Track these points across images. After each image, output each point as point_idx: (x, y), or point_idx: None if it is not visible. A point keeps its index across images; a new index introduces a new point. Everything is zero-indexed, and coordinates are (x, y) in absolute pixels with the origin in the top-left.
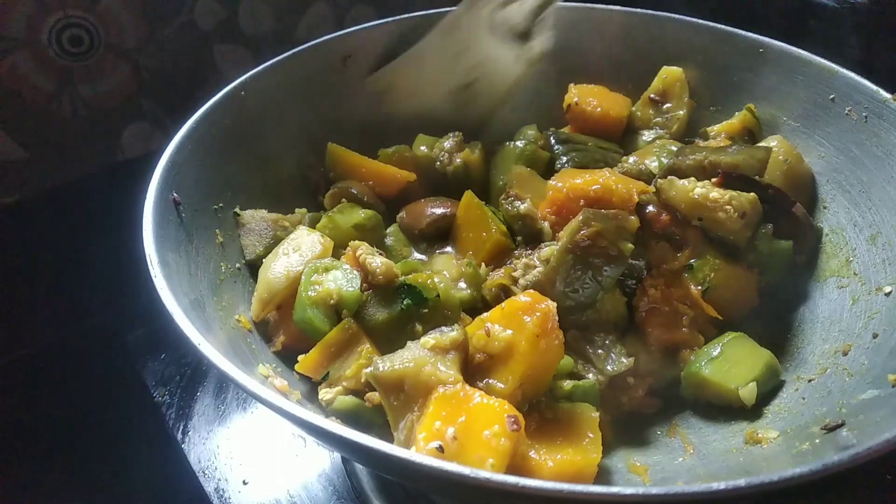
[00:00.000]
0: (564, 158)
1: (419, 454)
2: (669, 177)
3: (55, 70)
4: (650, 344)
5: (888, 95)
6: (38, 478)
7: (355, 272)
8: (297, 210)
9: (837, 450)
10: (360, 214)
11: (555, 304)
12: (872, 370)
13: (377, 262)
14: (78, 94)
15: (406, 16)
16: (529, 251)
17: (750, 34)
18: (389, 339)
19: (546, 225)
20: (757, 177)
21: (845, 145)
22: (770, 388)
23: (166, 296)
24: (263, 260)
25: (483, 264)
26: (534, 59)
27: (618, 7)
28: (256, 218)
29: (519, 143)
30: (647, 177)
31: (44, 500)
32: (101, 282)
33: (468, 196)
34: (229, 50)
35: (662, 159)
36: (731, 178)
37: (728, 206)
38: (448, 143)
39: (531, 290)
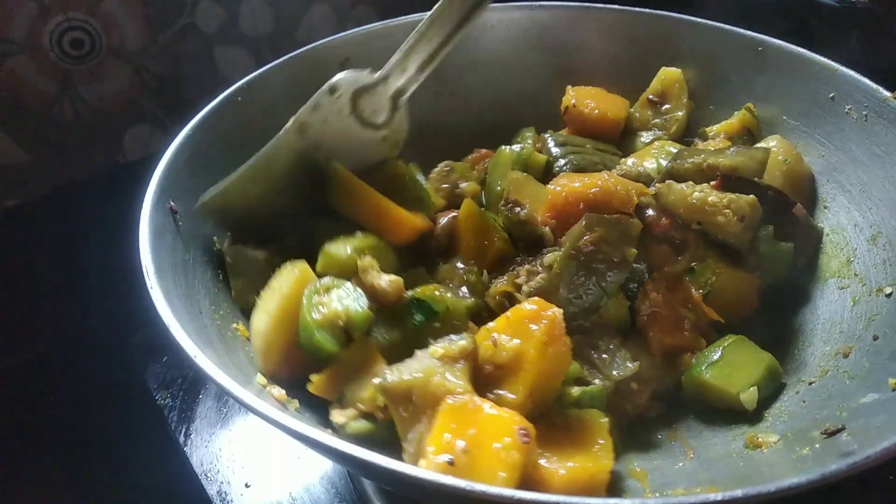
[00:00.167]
0: (562, 161)
1: (422, 469)
2: (668, 181)
3: (56, 73)
4: (652, 348)
5: (888, 94)
6: (40, 481)
7: (359, 290)
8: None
9: (838, 456)
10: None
11: (561, 311)
12: (873, 373)
13: (384, 280)
14: (79, 96)
15: (404, 18)
16: (531, 258)
17: (749, 32)
18: (403, 357)
19: (547, 230)
20: (756, 178)
21: (845, 144)
22: (771, 392)
23: (163, 308)
24: None
25: (485, 272)
26: (397, 143)
27: (616, 6)
28: (244, 258)
29: (515, 148)
30: (645, 179)
31: (46, 503)
32: (103, 284)
33: (468, 204)
34: (230, 52)
35: (661, 161)
36: (731, 181)
37: (727, 210)
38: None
39: (536, 298)
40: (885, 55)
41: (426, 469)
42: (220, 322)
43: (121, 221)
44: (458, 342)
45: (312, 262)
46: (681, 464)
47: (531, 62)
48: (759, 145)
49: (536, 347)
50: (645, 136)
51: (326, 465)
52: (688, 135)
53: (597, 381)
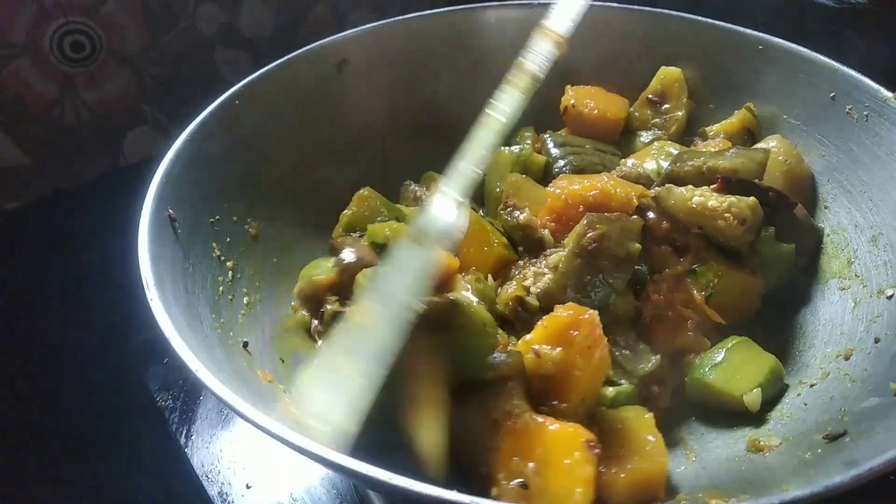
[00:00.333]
0: (562, 162)
1: (426, 486)
2: (667, 185)
3: (57, 76)
4: (658, 350)
5: (889, 94)
6: (41, 482)
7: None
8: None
9: (840, 462)
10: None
11: (596, 312)
12: (874, 377)
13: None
14: (80, 99)
15: (400, 18)
16: (535, 259)
17: (750, 31)
18: None
19: (546, 233)
20: (757, 180)
21: (846, 144)
22: (775, 393)
23: (164, 321)
24: None
25: (489, 278)
26: None
27: (615, 4)
28: None
29: (514, 149)
30: (645, 180)
31: None
32: (103, 286)
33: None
34: (231, 54)
35: (661, 161)
36: (731, 183)
37: (727, 214)
38: None
39: (570, 304)
40: (884, 55)
41: (501, 494)
42: (220, 330)
43: (121, 223)
44: (505, 360)
45: None
46: (683, 467)
47: None
48: (759, 146)
49: (581, 353)
50: (644, 136)
51: None
52: (687, 134)
53: (623, 381)
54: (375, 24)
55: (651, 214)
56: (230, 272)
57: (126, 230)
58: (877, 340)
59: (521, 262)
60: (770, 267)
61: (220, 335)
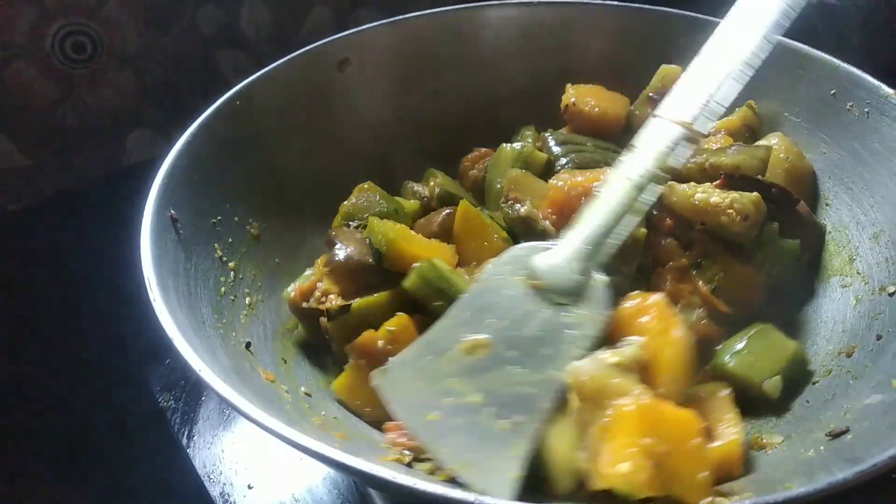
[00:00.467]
0: (564, 160)
1: (430, 483)
2: (670, 182)
3: (58, 77)
4: None
5: (890, 91)
6: (43, 483)
7: None
8: None
9: (843, 460)
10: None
11: (662, 294)
12: (877, 374)
13: None
14: (81, 100)
15: (401, 17)
16: None
17: None
18: None
19: (547, 224)
20: (760, 176)
21: (847, 141)
22: (798, 380)
23: (167, 321)
24: None
25: None
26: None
27: (615, 2)
28: None
29: (516, 146)
30: None
31: None
32: (105, 287)
33: (464, 205)
34: (231, 55)
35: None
36: (734, 179)
37: (730, 210)
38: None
39: (633, 293)
40: (886, 52)
41: (634, 472)
42: (223, 331)
43: (123, 224)
44: (629, 350)
45: None
46: None
47: (530, 60)
48: (760, 143)
49: (663, 335)
50: None
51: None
52: None
53: None
54: (377, 23)
55: (654, 211)
56: (232, 273)
57: (127, 231)
58: (879, 337)
59: None
60: (775, 262)
61: (222, 335)
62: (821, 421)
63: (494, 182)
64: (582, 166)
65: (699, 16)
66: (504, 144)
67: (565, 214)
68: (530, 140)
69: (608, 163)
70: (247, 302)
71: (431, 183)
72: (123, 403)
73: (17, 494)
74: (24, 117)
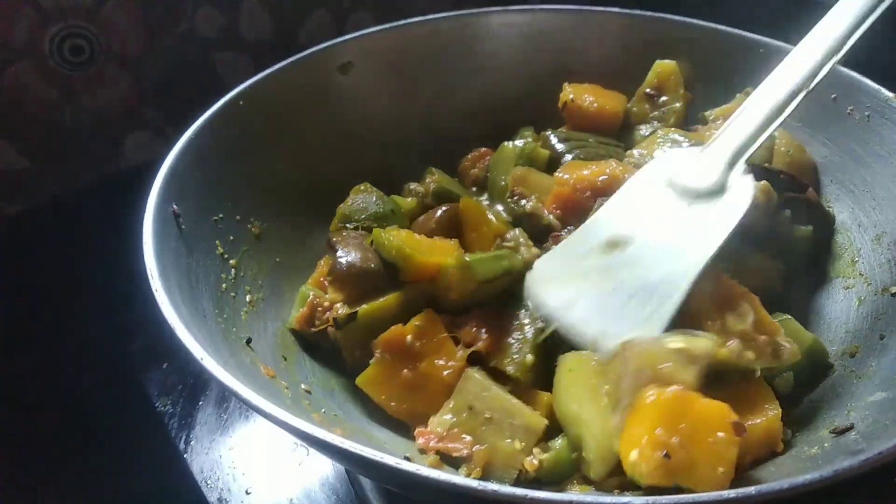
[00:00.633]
0: (569, 157)
1: (431, 469)
2: None
3: (57, 80)
4: None
5: (890, 94)
6: (40, 488)
7: None
8: None
9: (847, 454)
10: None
11: None
12: (880, 372)
13: None
14: (79, 103)
15: (404, 21)
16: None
17: (750, 34)
18: None
19: (552, 217)
20: (766, 164)
21: (848, 145)
22: (815, 373)
23: (167, 310)
24: None
25: None
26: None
27: (615, 9)
28: None
29: (518, 143)
30: None
31: None
32: (103, 291)
33: (465, 201)
34: (230, 57)
35: (667, 149)
36: None
37: None
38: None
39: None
40: (886, 55)
41: (640, 460)
42: (223, 326)
43: (121, 229)
44: (699, 340)
45: None
46: None
47: (530, 66)
48: None
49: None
50: (644, 129)
51: (328, 471)
52: (687, 123)
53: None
54: (380, 27)
55: None
56: (233, 270)
57: (126, 234)
58: (882, 337)
59: None
60: (789, 250)
61: (223, 330)
62: (825, 419)
63: (498, 179)
64: (587, 160)
65: (698, 22)
66: (506, 143)
67: (571, 209)
68: (531, 139)
69: (613, 157)
70: (248, 299)
71: (427, 180)
72: (120, 408)
73: (11, 498)
74: (23, 120)
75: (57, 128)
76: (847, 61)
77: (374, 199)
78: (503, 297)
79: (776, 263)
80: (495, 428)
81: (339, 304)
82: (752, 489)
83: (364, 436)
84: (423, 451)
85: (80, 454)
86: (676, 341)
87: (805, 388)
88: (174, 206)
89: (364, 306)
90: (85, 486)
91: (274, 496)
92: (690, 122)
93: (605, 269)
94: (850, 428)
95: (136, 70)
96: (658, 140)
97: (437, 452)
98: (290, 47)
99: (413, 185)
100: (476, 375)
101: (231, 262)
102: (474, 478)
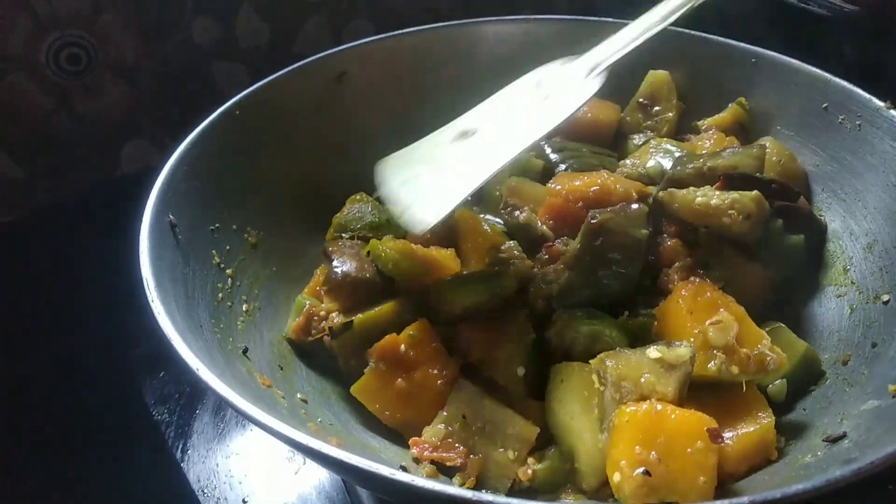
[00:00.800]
0: (563, 166)
1: (427, 480)
2: (669, 189)
3: (53, 89)
4: None
5: (881, 104)
6: (37, 496)
7: None
8: None
9: (840, 463)
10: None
11: None
12: (872, 380)
13: None
14: (76, 112)
15: (400, 32)
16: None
17: (743, 44)
18: None
19: (545, 228)
20: (758, 174)
21: (839, 154)
22: (808, 380)
23: (164, 321)
24: None
25: None
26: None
27: (609, 19)
28: None
29: None
30: (647, 179)
31: None
32: (100, 300)
33: (460, 211)
34: (226, 66)
35: (659, 159)
36: (733, 179)
37: (731, 210)
38: None
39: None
40: (877, 64)
41: (622, 483)
42: (220, 336)
43: (117, 237)
44: (677, 349)
45: None
46: None
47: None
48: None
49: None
50: (637, 139)
51: (324, 480)
52: (680, 132)
53: None
54: (376, 37)
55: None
56: (229, 279)
57: (122, 242)
58: (874, 345)
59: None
60: (781, 258)
61: (219, 340)
62: (817, 427)
63: (493, 189)
64: (580, 171)
65: (692, 32)
66: None
67: (563, 219)
68: None
69: (606, 167)
70: (244, 309)
71: None
72: (117, 416)
73: None
74: (19, 129)
75: (53, 137)
76: (839, 71)
77: (370, 208)
78: (496, 310)
79: (768, 272)
80: (488, 437)
81: (334, 314)
82: (745, 499)
83: (360, 445)
84: (417, 461)
85: (76, 463)
86: (655, 351)
87: (798, 396)
88: (171, 217)
89: (359, 315)
90: (81, 494)
91: None
92: (683, 131)
93: (445, 154)
94: (842, 437)
95: (132, 79)
96: (650, 149)
97: (432, 462)
98: (287, 56)
99: None
100: (469, 385)
101: (227, 271)
102: (468, 487)
